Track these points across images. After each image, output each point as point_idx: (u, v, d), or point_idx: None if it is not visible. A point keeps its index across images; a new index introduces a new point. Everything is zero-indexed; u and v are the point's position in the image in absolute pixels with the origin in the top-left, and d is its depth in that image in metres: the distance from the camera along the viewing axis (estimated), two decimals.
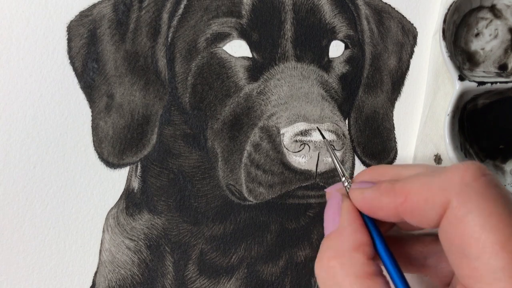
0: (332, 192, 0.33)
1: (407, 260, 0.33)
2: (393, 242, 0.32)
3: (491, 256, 0.23)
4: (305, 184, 0.40)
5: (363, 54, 0.45)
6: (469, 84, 0.43)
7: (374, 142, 0.45)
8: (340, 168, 0.34)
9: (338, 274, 0.27)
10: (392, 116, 0.46)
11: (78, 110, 0.41)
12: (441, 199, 0.25)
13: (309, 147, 0.38)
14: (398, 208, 0.27)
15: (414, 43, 0.47)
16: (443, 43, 0.44)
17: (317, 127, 0.38)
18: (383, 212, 0.28)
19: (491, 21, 0.47)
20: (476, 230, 0.24)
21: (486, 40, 0.48)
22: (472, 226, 0.24)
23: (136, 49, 0.42)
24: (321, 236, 0.44)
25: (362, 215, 0.30)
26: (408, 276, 0.29)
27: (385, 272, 0.28)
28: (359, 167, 0.45)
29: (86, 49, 0.41)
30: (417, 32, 0.47)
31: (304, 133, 0.38)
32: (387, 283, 0.27)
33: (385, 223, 0.31)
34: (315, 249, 0.44)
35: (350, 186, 0.32)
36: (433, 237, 0.32)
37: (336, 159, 0.35)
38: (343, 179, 0.33)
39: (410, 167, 0.31)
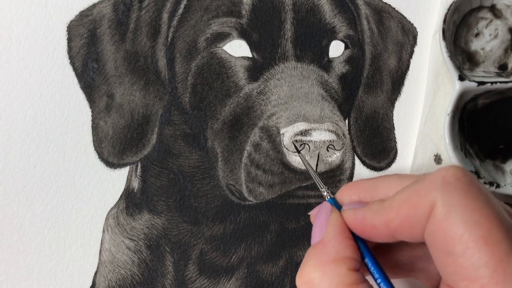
0: (323, 204, 0.33)
1: (397, 266, 0.33)
2: (381, 249, 0.32)
3: (474, 251, 0.23)
4: (305, 184, 0.40)
5: (363, 54, 0.45)
6: (469, 84, 0.43)
7: (374, 142, 0.45)
8: (319, 181, 0.35)
9: (318, 285, 0.27)
10: (392, 116, 0.46)
11: (78, 110, 0.41)
12: (426, 201, 0.26)
13: (309, 147, 0.38)
14: (390, 224, 0.27)
15: (414, 43, 0.47)
16: (443, 43, 0.44)
17: (293, 142, 0.38)
18: (376, 232, 0.28)
19: (491, 21, 0.48)
20: (459, 227, 0.24)
21: (486, 40, 0.48)
22: (455, 223, 0.24)
23: (136, 49, 0.42)
24: None
25: (353, 235, 0.30)
26: (400, 280, 0.30)
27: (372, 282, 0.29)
28: (359, 167, 0.45)
29: (86, 49, 0.41)
30: (417, 32, 0.47)
31: (304, 133, 0.38)
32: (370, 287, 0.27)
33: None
34: None
35: (328, 196, 0.33)
36: (421, 242, 0.33)
37: (313, 173, 0.36)
38: (323, 190, 0.34)
39: (388, 178, 0.31)
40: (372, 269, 0.29)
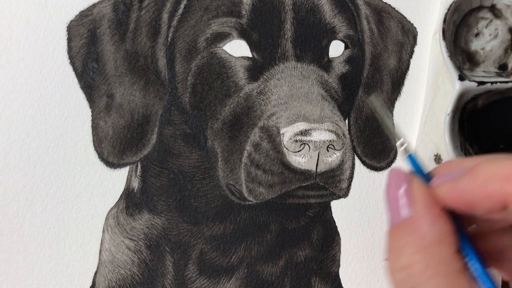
0: (395, 172, 0.26)
1: (484, 254, 0.27)
2: (469, 236, 0.27)
3: None
4: (305, 184, 0.40)
5: (363, 54, 0.45)
6: (469, 84, 0.43)
7: (374, 142, 0.45)
8: (392, 131, 0.29)
9: (424, 272, 0.23)
10: (392, 116, 0.46)
11: (78, 110, 0.41)
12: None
13: (309, 147, 0.38)
14: (509, 196, 0.22)
15: (414, 43, 0.47)
16: (443, 43, 0.44)
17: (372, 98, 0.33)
18: (488, 204, 0.23)
19: (491, 21, 0.48)
20: None
21: (486, 40, 0.48)
22: None
23: (136, 49, 0.42)
24: (321, 236, 0.44)
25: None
26: None
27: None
28: (359, 167, 0.45)
29: (86, 49, 0.41)
30: (417, 32, 0.47)
31: (304, 133, 0.38)
32: (471, 281, 0.23)
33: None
34: (315, 249, 0.44)
35: (405, 148, 0.27)
36: (509, 229, 0.29)
37: (389, 120, 0.30)
38: (399, 142, 0.28)
39: (489, 156, 0.26)
40: (470, 254, 0.25)
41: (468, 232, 0.25)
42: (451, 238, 0.23)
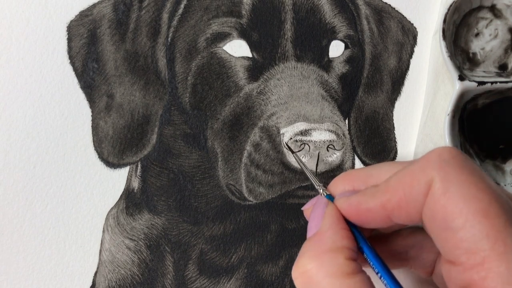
0: (318, 198, 0.33)
1: (390, 256, 0.33)
2: (373, 241, 0.32)
3: (474, 224, 0.24)
4: (305, 184, 0.40)
5: (363, 54, 0.45)
6: (469, 84, 0.43)
7: (374, 142, 0.45)
8: (314, 179, 0.35)
9: (315, 276, 0.27)
10: (392, 116, 0.46)
11: (78, 110, 0.41)
12: (424, 179, 0.26)
13: (309, 147, 0.38)
14: (386, 206, 0.27)
15: (414, 43, 0.47)
16: (443, 43, 0.44)
17: (286, 143, 0.38)
18: (372, 215, 0.28)
19: (491, 21, 0.48)
20: (458, 201, 0.24)
21: (486, 40, 0.48)
22: (454, 198, 0.25)
23: (136, 49, 0.42)
24: None
25: (349, 224, 0.30)
26: (394, 272, 0.30)
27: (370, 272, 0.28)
28: (359, 167, 0.45)
29: (86, 49, 0.41)
30: (417, 32, 0.47)
31: (304, 133, 0.38)
32: (368, 278, 0.27)
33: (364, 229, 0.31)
34: None
35: (325, 194, 0.33)
36: (411, 229, 0.33)
37: (308, 171, 0.36)
38: (318, 187, 0.34)
39: (380, 166, 0.31)
40: (370, 258, 0.29)
41: (369, 243, 0.29)
42: (344, 248, 0.28)
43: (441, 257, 0.27)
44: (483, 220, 0.24)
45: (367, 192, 0.29)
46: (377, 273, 0.29)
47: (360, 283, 0.26)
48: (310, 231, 0.30)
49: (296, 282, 0.28)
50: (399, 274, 0.37)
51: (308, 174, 0.35)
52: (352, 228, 0.30)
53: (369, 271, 0.29)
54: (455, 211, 0.24)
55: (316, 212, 0.31)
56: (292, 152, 0.38)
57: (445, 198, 0.25)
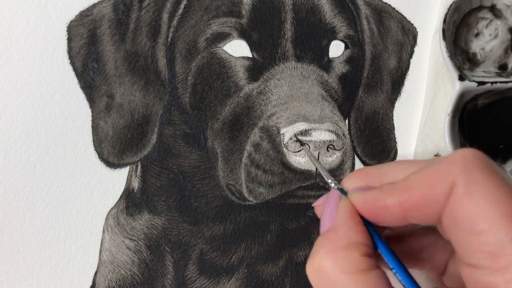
0: (331, 192, 0.32)
1: (402, 256, 0.32)
2: (386, 240, 0.31)
3: (500, 228, 0.23)
4: (305, 184, 0.40)
5: (363, 54, 0.45)
6: (469, 84, 0.43)
7: (374, 142, 0.45)
8: (326, 174, 0.34)
9: (331, 273, 0.26)
10: (392, 116, 0.46)
11: (78, 110, 0.41)
12: (446, 181, 0.25)
13: (309, 147, 0.38)
14: (403, 205, 0.27)
15: (414, 43, 0.47)
16: (443, 43, 0.44)
17: (295, 135, 0.37)
18: (388, 213, 0.28)
19: (491, 21, 0.48)
20: (483, 205, 0.24)
21: (486, 40, 0.48)
22: (478, 201, 0.24)
23: (136, 49, 0.42)
24: None
25: (365, 222, 0.29)
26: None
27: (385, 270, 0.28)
28: (359, 167, 0.45)
29: (86, 49, 0.41)
30: (417, 32, 0.47)
31: (304, 133, 0.38)
32: (384, 274, 0.27)
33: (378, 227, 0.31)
34: None
35: (337, 187, 0.32)
36: (425, 229, 0.33)
37: (321, 166, 0.35)
38: (330, 181, 0.33)
39: (396, 163, 0.31)
40: (384, 254, 0.29)
41: (383, 239, 0.29)
42: (360, 245, 0.27)
43: (455, 259, 0.27)
44: (509, 224, 0.23)
45: (384, 189, 0.28)
46: (391, 269, 0.28)
47: (376, 279, 0.26)
48: (324, 226, 0.30)
49: (311, 278, 0.28)
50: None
51: (320, 169, 0.35)
52: (366, 223, 0.29)
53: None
54: (479, 214, 0.24)
55: (329, 207, 0.30)
56: (302, 144, 0.37)
57: (469, 201, 0.24)
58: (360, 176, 0.32)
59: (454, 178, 0.25)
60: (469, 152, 0.26)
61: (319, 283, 0.27)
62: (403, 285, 0.28)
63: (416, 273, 0.36)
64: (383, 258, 0.29)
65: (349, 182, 0.32)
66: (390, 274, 0.28)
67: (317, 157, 0.39)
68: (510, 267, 0.23)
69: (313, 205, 0.34)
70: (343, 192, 0.32)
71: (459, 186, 0.25)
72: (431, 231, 0.32)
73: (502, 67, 0.48)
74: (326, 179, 0.33)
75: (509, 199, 0.24)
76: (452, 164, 0.26)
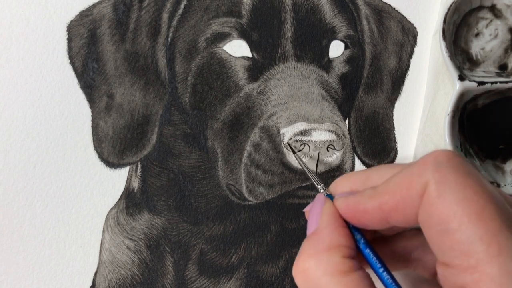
0: (317, 196, 0.33)
1: (393, 258, 0.33)
2: (376, 243, 0.32)
3: (469, 227, 0.24)
4: (305, 184, 0.40)
5: (363, 54, 0.45)
6: (469, 84, 0.43)
7: (374, 142, 0.45)
8: (315, 179, 0.35)
9: (314, 274, 0.27)
10: (392, 116, 0.46)
11: (78, 110, 0.41)
12: (420, 183, 0.26)
13: (309, 147, 0.38)
14: (383, 208, 0.28)
15: (414, 43, 0.47)
16: (443, 43, 0.44)
17: (287, 143, 0.38)
18: (369, 216, 0.29)
19: (491, 21, 0.48)
20: (453, 204, 0.24)
21: (486, 40, 0.48)
22: (449, 200, 0.25)
23: (136, 49, 0.42)
24: None
25: (349, 226, 0.30)
26: (395, 274, 0.30)
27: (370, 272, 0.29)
28: (359, 167, 0.45)
29: (86, 49, 0.41)
30: (417, 32, 0.47)
31: (304, 133, 0.38)
32: (366, 276, 0.27)
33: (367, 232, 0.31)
34: None
35: (325, 193, 0.33)
36: (415, 231, 0.33)
37: (309, 171, 0.36)
38: (319, 187, 0.34)
39: (379, 168, 0.31)
40: (366, 255, 0.29)
41: (368, 241, 0.30)
42: (342, 248, 0.28)
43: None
44: (477, 223, 0.24)
45: (365, 194, 0.29)
46: (374, 271, 0.29)
47: (358, 281, 0.26)
48: (309, 229, 0.31)
49: (296, 280, 0.28)
50: (399, 274, 0.37)
51: (309, 174, 0.36)
52: (351, 226, 0.30)
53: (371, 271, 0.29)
54: (449, 213, 0.24)
55: (314, 210, 0.32)
56: (294, 152, 0.38)
57: (440, 200, 0.25)
58: (344, 181, 0.33)
59: (426, 179, 0.26)
60: (442, 154, 0.26)
61: (304, 284, 0.28)
62: (386, 287, 0.28)
63: (406, 272, 0.36)
64: (366, 259, 0.29)
65: (335, 188, 0.33)
66: (377, 278, 0.28)
67: (317, 157, 0.39)
68: (478, 267, 0.23)
69: (304, 210, 0.35)
70: (331, 197, 0.32)
71: (431, 186, 0.25)
72: (421, 232, 0.33)
73: (502, 67, 0.48)
74: (316, 185, 0.34)
75: (479, 198, 0.24)
76: (425, 165, 0.26)
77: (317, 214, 0.31)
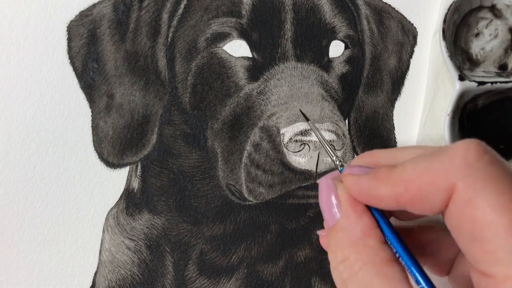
0: (323, 181, 0.30)
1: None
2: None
3: (505, 236, 0.22)
4: (305, 184, 0.40)
5: (363, 54, 0.45)
6: (469, 84, 0.43)
7: (374, 142, 0.45)
8: (330, 148, 0.32)
9: (355, 264, 0.26)
10: (392, 116, 0.46)
11: (78, 110, 0.41)
12: (445, 184, 0.24)
13: (309, 147, 0.38)
14: (398, 198, 0.26)
15: (414, 43, 0.47)
16: (443, 43, 0.44)
17: (299, 110, 0.36)
18: (382, 202, 0.27)
19: (491, 21, 0.47)
20: (486, 212, 0.23)
21: (486, 40, 0.48)
22: (482, 208, 0.23)
23: (136, 49, 0.42)
24: None
25: (371, 210, 0.28)
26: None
27: None
28: None
29: (86, 49, 0.41)
30: (417, 32, 0.47)
31: (304, 133, 0.38)
32: (403, 269, 0.26)
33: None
34: (315, 249, 0.44)
35: (340, 167, 0.31)
36: (431, 224, 0.32)
37: (324, 140, 0.34)
38: (335, 158, 0.31)
39: (407, 149, 0.29)
40: (392, 241, 0.27)
41: (390, 225, 0.28)
42: (375, 231, 0.26)
43: (464, 260, 0.26)
44: None
45: (378, 175, 0.27)
46: (399, 258, 0.27)
47: (400, 274, 0.25)
48: (330, 219, 0.29)
49: (334, 271, 0.27)
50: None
51: (324, 146, 0.33)
52: (372, 208, 0.28)
53: None
54: (483, 223, 0.23)
55: (326, 197, 0.29)
56: (307, 119, 0.36)
57: (471, 208, 0.23)
58: (368, 157, 0.30)
59: (454, 181, 0.24)
60: (471, 151, 0.24)
61: (344, 274, 0.26)
62: (414, 278, 0.27)
63: None
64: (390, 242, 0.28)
65: (356, 163, 0.31)
66: None
67: (317, 158, 0.39)
68: None
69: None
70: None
71: (461, 192, 0.24)
72: (437, 225, 0.31)
73: (502, 67, 0.48)
74: (331, 158, 0.32)
75: None
76: (453, 165, 0.24)
77: (329, 202, 0.29)
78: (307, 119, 0.36)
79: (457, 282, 0.31)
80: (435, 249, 0.31)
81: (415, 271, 0.26)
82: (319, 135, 0.35)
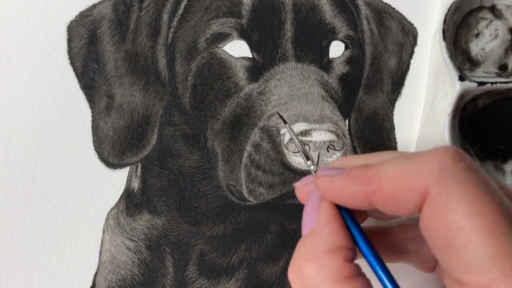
0: (312, 191, 0.30)
1: (389, 249, 0.31)
2: (372, 233, 0.30)
3: (478, 244, 0.22)
4: None
5: (363, 54, 0.45)
6: (470, 85, 0.43)
7: (374, 142, 0.45)
8: (304, 152, 0.32)
9: (313, 279, 0.25)
10: (392, 116, 0.46)
11: (78, 110, 0.41)
12: (419, 186, 0.24)
13: (309, 147, 0.38)
14: (370, 197, 0.25)
15: (414, 43, 0.47)
16: (443, 44, 0.44)
17: (277, 112, 0.36)
18: (355, 201, 0.26)
19: (491, 21, 0.47)
20: (460, 218, 0.22)
21: (486, 41, 0.48)
22: (455, 214, 0.22)
23: (136, 50, 0.42)
24: None
25: (340, 211, 0.28)
26: (394, 267, 0.28)
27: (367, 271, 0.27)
28: None
29: (86, 49, 0.41)
30: (417, 32, 0.47)
31: (304, 133, 0.38)
32: (368, 283, 0.25)
33: (357, 213, 0.29)
34: None
35: (314, 172, 0.31)
36: (412, 222, 0.31)
37: (299, 144, 0.33)
38: (309, 163, 0.31)
39: (381, 154, 0.29)
40: (365, 253, 0.27)
41: (369, 241, 0.27)
42: (343, 250, 0.26)
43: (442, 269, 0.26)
44: (488, 240, 0.22)
45: (351, 175, 0.26)
46: (372, 269, 0.27)
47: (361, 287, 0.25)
48: (305, 228, 0.28)
49: (292, 283, 0.26)
50: (401, 270, 0.36)
51: (300, 151, 0.33)
52: (349, 223, 0.28)
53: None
54: (456, 228, 0.22)
55: (310, 207, 0.29)
56: (285, 122, 0.36)
57: (445, 213, 0.23)
58: (341, 162, 0.30)
59: (428, 185, 0.24)
60: (447, 156, 0.24)
61: (299, 287, 0.26)
62: (382, 283, 0.26)
63: (408, 267, 0.35)
64: (363, 255, 0.28)
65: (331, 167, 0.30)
66: (374, 281, 0.27)
67: (317, 158, 0.39)
68: (491, 286, 0.21)
69: (294, 184, 0.32)
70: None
71: (435, 197, 0.23)
72: (417, 224, 0.31)
73: (502, 68, 0.48)
74: (306, 163, 0.32)
75: (489, 212, 0.22)
76: (428, 169, 0.24)
77: (313, 211, 0.28)
78: (285, 122, 0.36)
79: (441, 277, 0.31)
80: (418, 246, 0.31)
81: (382, 275, 0.26)
82: (295, 139, 0.34)
